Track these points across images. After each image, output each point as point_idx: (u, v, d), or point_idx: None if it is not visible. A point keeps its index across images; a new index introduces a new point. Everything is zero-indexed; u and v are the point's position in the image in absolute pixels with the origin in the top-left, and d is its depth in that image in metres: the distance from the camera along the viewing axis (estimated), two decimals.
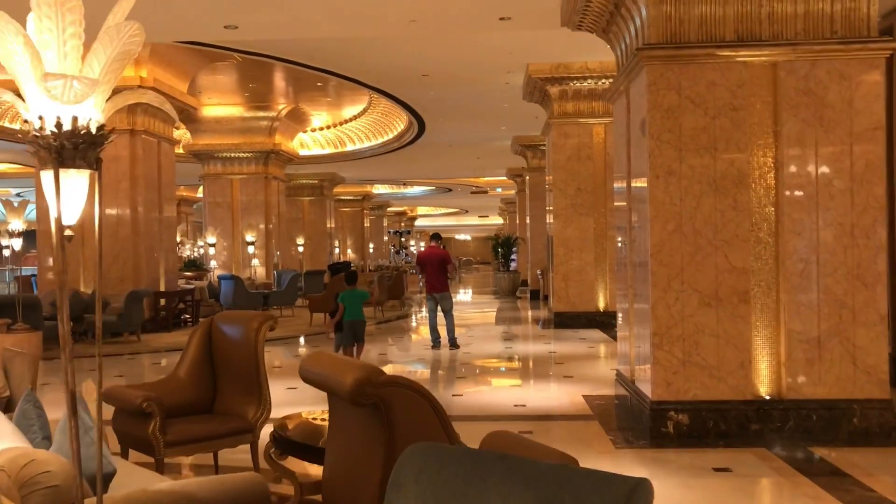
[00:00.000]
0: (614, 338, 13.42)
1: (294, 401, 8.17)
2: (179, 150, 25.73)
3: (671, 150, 6.29)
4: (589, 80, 14.85)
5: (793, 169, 6.22)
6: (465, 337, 13.56)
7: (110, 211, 15.13)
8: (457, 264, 56.01)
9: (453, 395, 8.31)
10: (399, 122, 22.70)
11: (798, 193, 6.22)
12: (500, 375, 9.74)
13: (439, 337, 12.16)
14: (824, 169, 6.20)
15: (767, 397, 6.22)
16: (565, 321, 14.90)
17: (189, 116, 22.81)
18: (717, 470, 5.38)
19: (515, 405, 7.68)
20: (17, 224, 11.77)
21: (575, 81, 14.88)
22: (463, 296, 29.14)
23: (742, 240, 6.26)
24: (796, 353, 6.18)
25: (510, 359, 11.29)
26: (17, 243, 12.01)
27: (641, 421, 6.50)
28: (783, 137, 6.23)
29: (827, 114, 6.22)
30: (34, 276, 18.92)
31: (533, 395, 8.23)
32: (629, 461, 5.74)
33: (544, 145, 19.72)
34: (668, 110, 6.29)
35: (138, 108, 15.14)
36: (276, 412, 7.23)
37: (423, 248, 13.43)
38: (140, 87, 14.70)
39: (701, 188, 6.28)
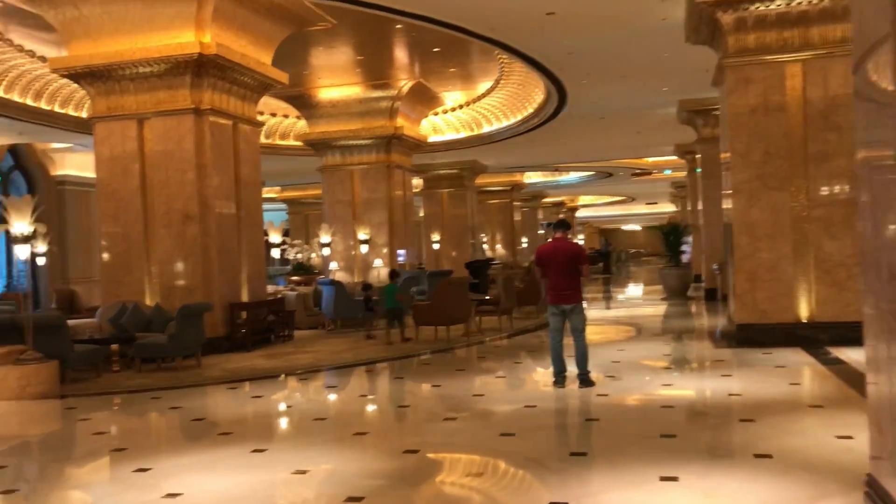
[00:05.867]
0: (825, 363, 9.23)
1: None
2: (274, 140, 23.44)
3: None
4: (778, 1, 10.60)
5: None
6: (608, 364, 9.78)
7: (174, 206, 12.56)
8: (621, 256, 50.95)
9: None
10: (537, 93, 19.02)
11: None
12: (645, 450, 5.94)
13: (565, 369, 8.47)
14: None
15: None
16: (753, 336, 10.77)
17: (304, 101, 20.35)
18: None
19: None
20: (21, 227, 9.24)
21: (757, 3, 10.67)
22: (624, 295, 25.01)
23: None
24: None
25: (667, 407, 7.42)
26: (24, 250, 9.49)
27: None
28: None
29: None
30: None
31: None
32: None
33: (717, 109, 15.43)
34: None
35: (204, 82, 12.45)
36: None
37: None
38: (201, 55, 12.02)
39: None
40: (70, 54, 12.41)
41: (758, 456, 5.46)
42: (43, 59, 15.05)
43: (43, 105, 17.07)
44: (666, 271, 20.91)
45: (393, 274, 14.03)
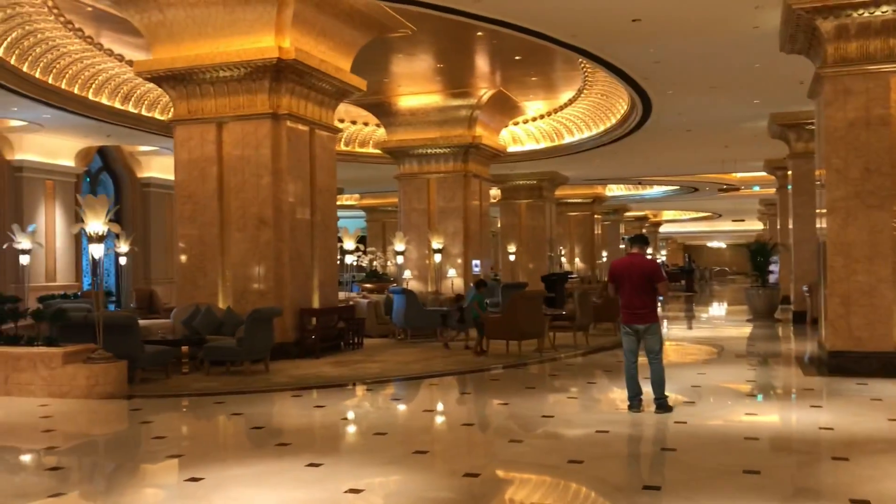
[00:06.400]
0: None
1: None
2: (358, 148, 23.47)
3: None
4: (884, 7, 9.89)
5: None
6: (688, 387, 9.25)
7: (250, 211, 12.57)
8: (705, 274, 49.30)
9: None
10: (621, 103, 18.48)
11: None
12: (725, 486, 5.46)
13: (640, 393, 8.00)
14: None
15: None
16: (846, 365, 10.05)
17: (383, 109, 20.31)
18: None
19: None
20: (96, 226, 9.32)
21: (860, 9, 9.99)
22: (707, 315, 24.08)
23: None
24: None
25: (750, 439, 6.88)
26: (98, 249, 9.56)
27: None
28: None
29: None
30: None
31: None
32: None
33: (811, 123, 14.64)
34: None
35: (282, 87, 12.43)
36: None
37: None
38: (279, 60, 11.98)
39: None
40: (153, 58, 12.58)
41: (854, 502, 4.92)
42: (131, 63, 15.37)
43: (130, 108, 17.49)
44: (752, 291, 20.00)
45: (480, 284, 14.02)
